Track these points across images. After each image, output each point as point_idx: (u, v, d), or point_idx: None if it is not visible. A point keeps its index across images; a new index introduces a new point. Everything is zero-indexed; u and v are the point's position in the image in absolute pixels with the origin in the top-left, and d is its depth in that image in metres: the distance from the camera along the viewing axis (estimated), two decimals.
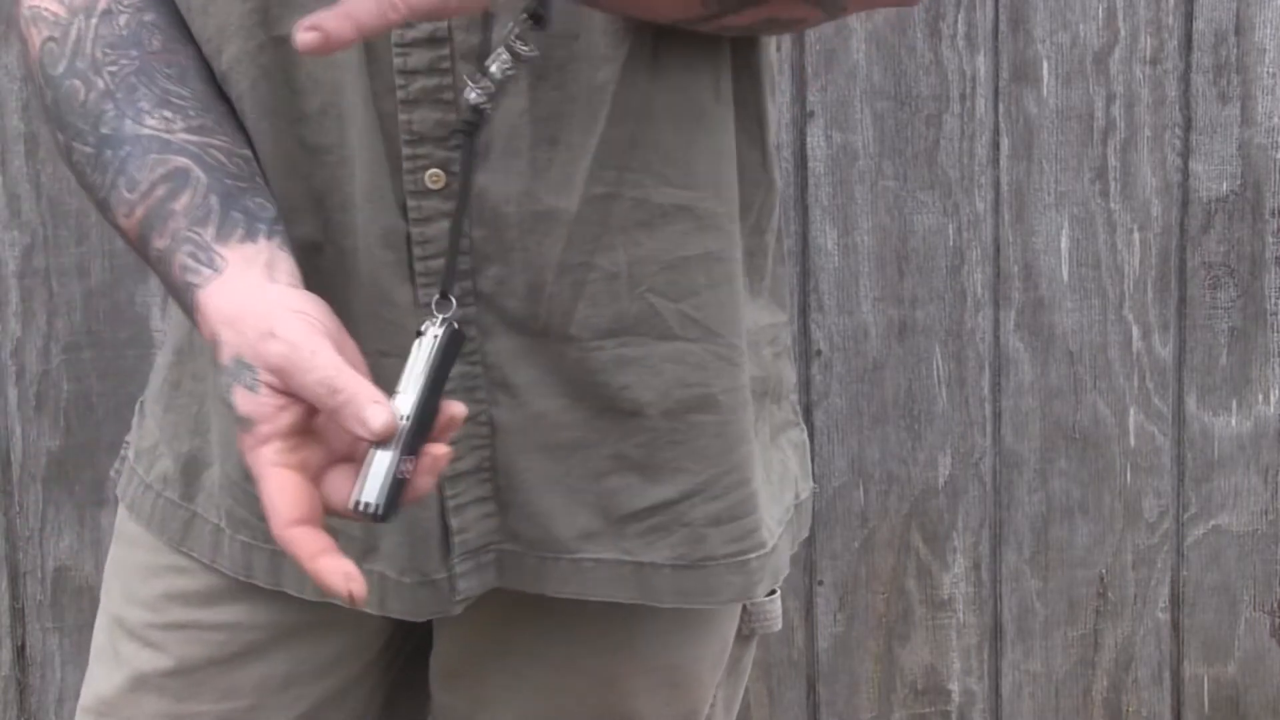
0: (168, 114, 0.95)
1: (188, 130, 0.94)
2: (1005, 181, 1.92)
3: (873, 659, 1.99)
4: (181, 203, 0.92)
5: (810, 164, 1.89)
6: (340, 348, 0.84)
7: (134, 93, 0.95)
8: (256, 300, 0.87)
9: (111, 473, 1.17)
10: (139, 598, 1.09)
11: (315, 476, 0.83)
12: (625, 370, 0.98)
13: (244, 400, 0.84)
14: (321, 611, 1.03)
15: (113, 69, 0.95)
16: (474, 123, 0.88)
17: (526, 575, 1.01)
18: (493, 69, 0.86)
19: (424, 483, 0.82)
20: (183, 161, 0.93)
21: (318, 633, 1.05)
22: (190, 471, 1.06)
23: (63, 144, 0.96)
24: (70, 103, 0.95)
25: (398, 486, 0.81)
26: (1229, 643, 2.04)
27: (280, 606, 1.04)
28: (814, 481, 1.14)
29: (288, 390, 0.83)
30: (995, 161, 1.91)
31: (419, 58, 0.93)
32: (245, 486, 1.02)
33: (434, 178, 0.94)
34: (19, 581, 1.85)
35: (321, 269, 0.95)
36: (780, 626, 1.14)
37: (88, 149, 0.95)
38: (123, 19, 0.96)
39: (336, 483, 0.83)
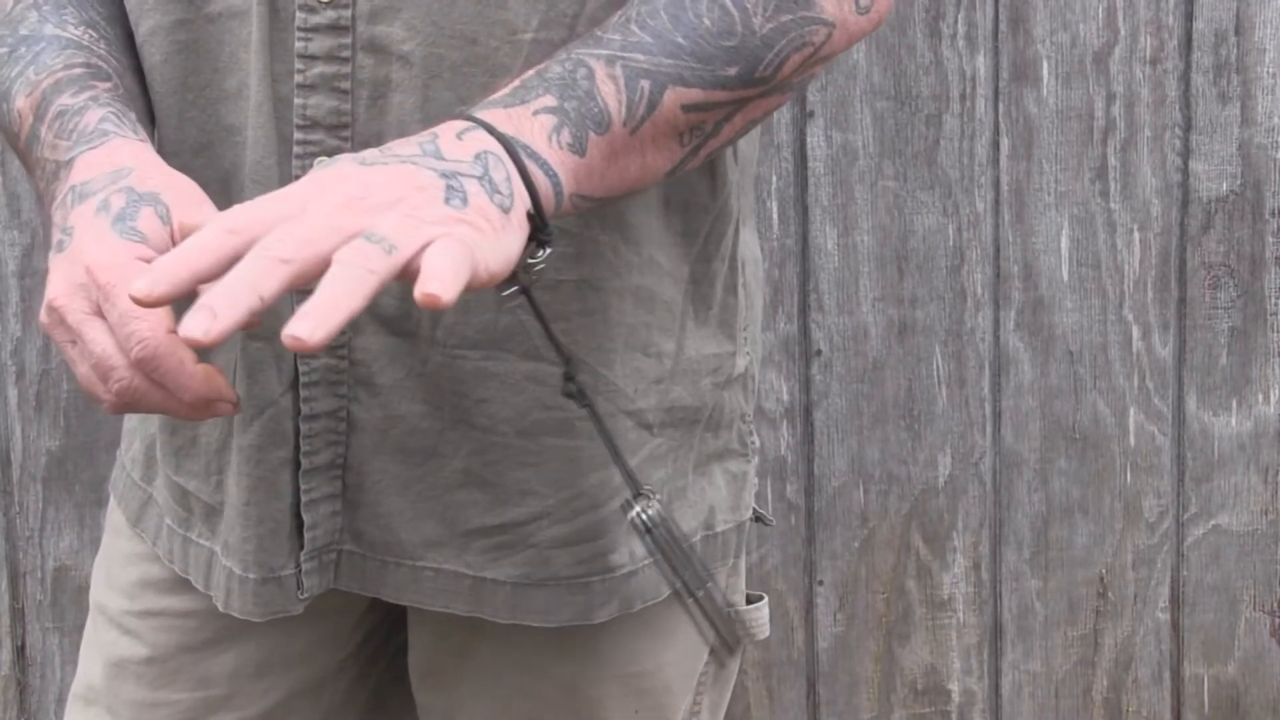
0: (92, 32, 0.95)
1: (109, 53, 0.95)
2: (1005, 181, 1.91)
3: (873, 659, 1.98)
4: (104, 85, 0.92)
5: (810, 164, 1.89)
6: None
7: (62, 10, 0.96)
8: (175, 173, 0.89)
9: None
10: (118, 584, 1.10)
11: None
12: (486, 384, 0.96)
13: (148, 220, 0.85)
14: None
15: None
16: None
17: (366, 578, 1.01)
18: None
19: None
20: (103, 66, 0.94)
21: (288, 622, 1.04)
22: (152, 454, 1.07)
23: None
24: None
25: None
26: (1229, 643, 2.04)
27: None
28: (758, 511, 1.11)
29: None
30: (995, 161, 1.91)
31: (320, 43, 0.92)
32: (178, 482, 1.03)
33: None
34: (19, 581, 1.85)
35: None
36: (768, 634, 1.13)
37: (2, 49, 0.95)
38: None
39: None
